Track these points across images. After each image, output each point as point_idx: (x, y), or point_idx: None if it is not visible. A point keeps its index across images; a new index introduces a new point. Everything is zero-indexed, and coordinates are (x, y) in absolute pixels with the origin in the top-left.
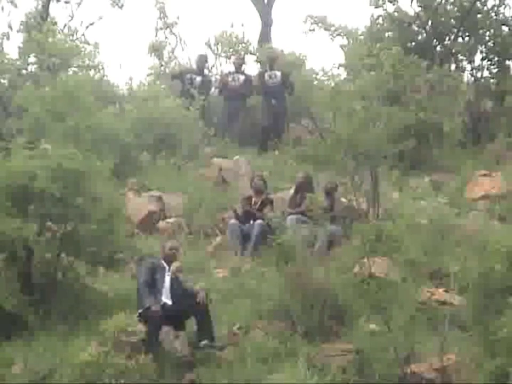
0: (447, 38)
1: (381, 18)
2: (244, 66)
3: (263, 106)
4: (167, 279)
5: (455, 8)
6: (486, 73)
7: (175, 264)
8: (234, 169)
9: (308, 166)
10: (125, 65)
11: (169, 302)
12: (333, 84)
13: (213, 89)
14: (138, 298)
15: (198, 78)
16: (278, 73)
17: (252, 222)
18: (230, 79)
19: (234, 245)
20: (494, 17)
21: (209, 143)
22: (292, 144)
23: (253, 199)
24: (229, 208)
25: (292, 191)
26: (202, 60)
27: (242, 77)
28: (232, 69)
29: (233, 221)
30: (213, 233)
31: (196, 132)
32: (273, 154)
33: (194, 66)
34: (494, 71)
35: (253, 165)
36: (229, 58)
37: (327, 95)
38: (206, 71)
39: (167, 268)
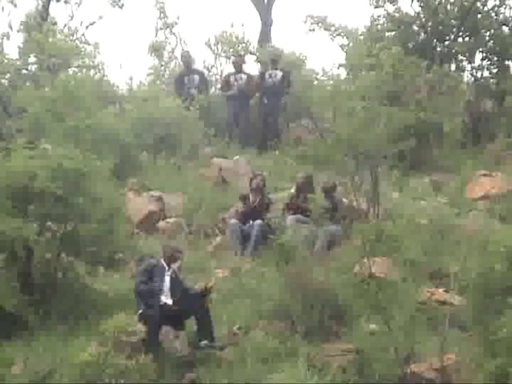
0: (447, 38)
1: (381, 18)
2: (244, 65)
3: (257, 106)
4: (167, 279)
5: (455, 8)
6: (486, 73)
7: (175, 264)
8: (234, 169)
9: (307, 166)
10: (125, 65)
11: (170, 302)
12: (332, 84)
13: (213, 89)
14: (136, 300)
15: (196, 77)
16: (279, 73)
17: (251, 222)
18: (232, 79)
19: (234, 244)
20: (494, 17)
21: (209, 143)
22: (291, 144)
23: (251, 198)
24: (230, 208)
25: (292, 191)
26: (187, 58)
27: (244, 76)
28: (232, 69)
29: (233, 220)
30: (213, 233)
31: (196, 132)
32: (273, 154)
33: (182, 66)
34: (494, 71)
35: (253, 165)
36: (229, 58)
37: (327, 95)
38: (197, 68)
39: (166, 267)
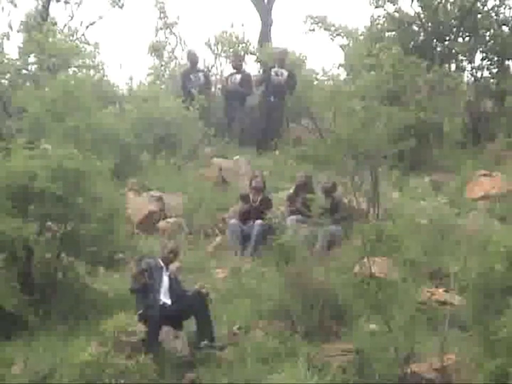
0: (447, 38)
1: (381, 18)
2: (243, 65)
3: (261, 104)
4: (165, 279)
5: (455, 8)
6: (486, 73)
7: (174, 264)
8: (234, 169)
9: (307, 166)
10: (125, 65)
11: (169, 302)
12: (332, 84)
13: (213, 88)
14: (136, 300)
15: (201, 76)
16: (285, 72)
17: (252, 222)
18: (229, 79)
19: (235, 245)
20: (494, 17)
21: (209, 143)
22: (291, 144)
23: (251, 198)
24: (231, 208)
25: (291, 190)
26: (193, 56)
27: (238, 77)
28: (231, 69)
29: (233, 221)
30: (213, 233)
31: (196, 132)
32: (273, 154)
33: (188, 64)
34: (494, 71)
35: (253, 165)
36: (229, 58)
37: (327, 95)
38: (200, 67)
39: (164, 267)
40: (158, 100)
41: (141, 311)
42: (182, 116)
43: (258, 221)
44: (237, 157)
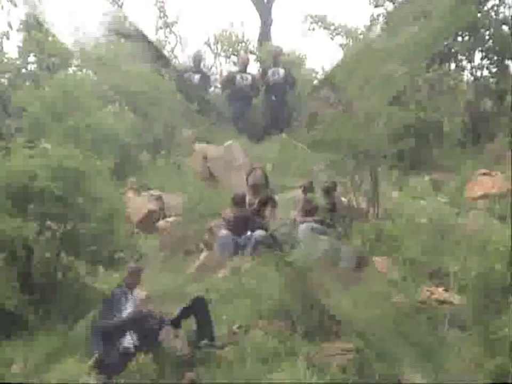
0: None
1: (380, 17)
2: (248, 66)
3: (264, 104)
4: (128, 310)
5: None
6: (485, 72)
7: (142, 293)
8: (226, 159)
9: (324, 155)
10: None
11: (131, 346)
12: (363, 41)
13: (212, 88)
14: (91, 340)
15: (197, 76)
16: (281, 71)
17: (248, 232)
18: (238, 77)
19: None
20: (494, 16)
21: (193, 124)
22: (306, 124)
23: (248, 198)
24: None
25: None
26: (199, 57)
27: (250, 77)
28: (235, 68)
29: (224, 232)
30: (197, 249)
31: (174, 107)
32: (280, 138)
33: (191, 64)
34: (494, 70)
35: (251, 155)
36: (229, 57)
37: (355, 55)
38: (202, 68)
39: (129, 294)
40: (118, 62)
41: (96, 355)
42: (153, 85)
43: (259, 231)
44: (230, 142)
